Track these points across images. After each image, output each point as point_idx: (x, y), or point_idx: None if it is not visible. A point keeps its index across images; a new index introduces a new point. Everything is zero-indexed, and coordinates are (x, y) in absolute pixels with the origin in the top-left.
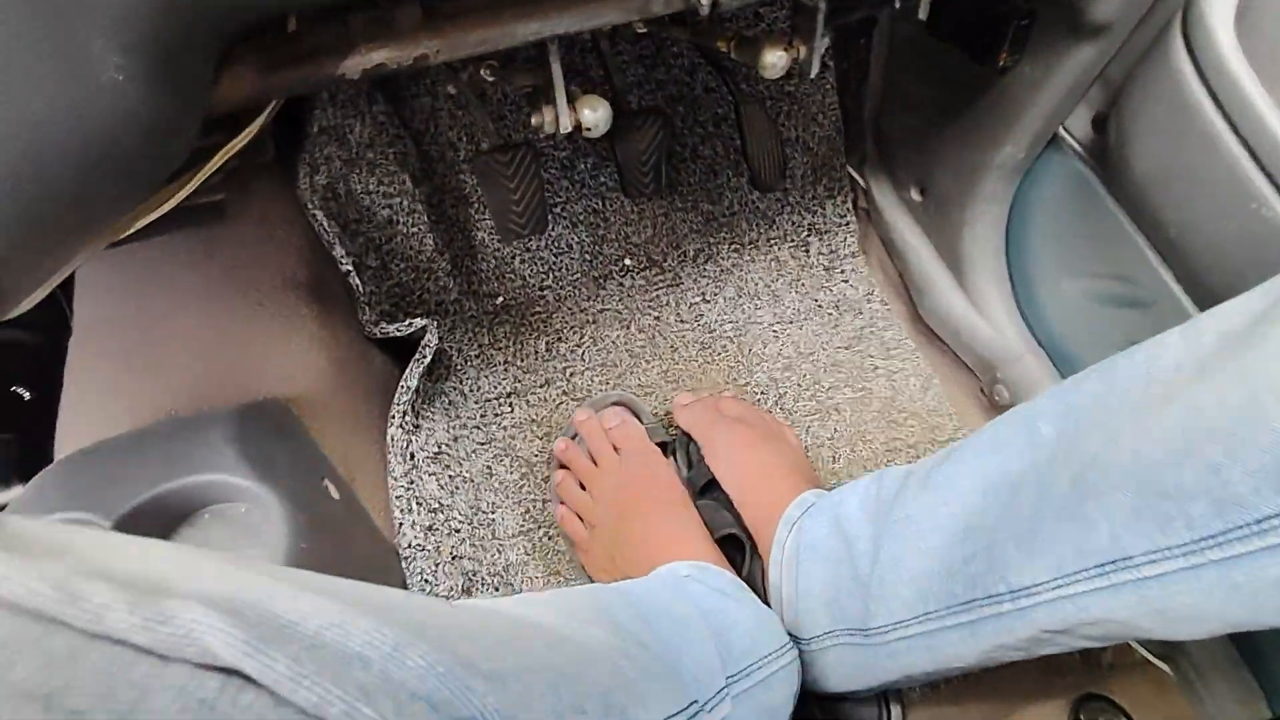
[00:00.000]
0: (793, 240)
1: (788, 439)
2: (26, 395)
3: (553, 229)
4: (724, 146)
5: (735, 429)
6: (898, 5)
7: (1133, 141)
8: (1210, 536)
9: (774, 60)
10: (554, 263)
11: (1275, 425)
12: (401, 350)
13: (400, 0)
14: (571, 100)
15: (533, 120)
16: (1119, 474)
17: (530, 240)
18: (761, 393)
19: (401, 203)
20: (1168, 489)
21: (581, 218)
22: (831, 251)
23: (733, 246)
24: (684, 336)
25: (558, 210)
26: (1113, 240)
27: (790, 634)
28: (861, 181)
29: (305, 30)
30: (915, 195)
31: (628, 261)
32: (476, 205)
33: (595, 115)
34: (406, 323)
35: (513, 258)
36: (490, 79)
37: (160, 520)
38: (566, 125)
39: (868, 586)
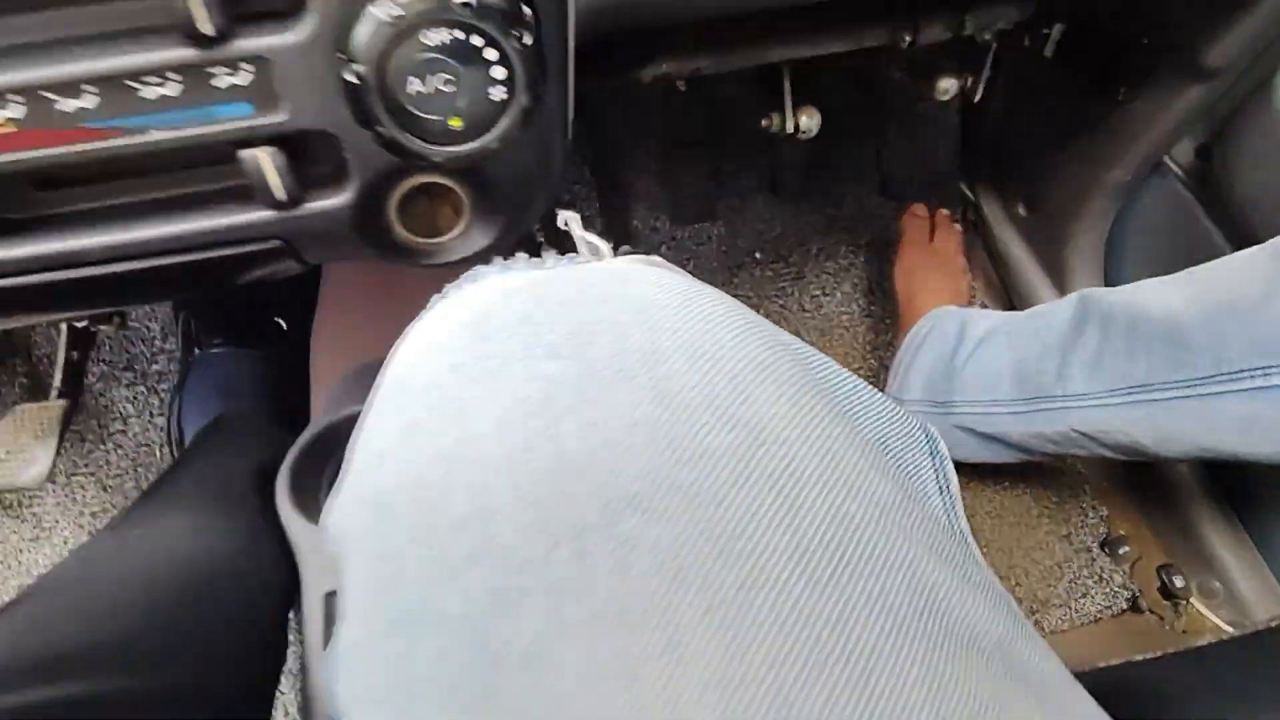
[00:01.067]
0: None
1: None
2: (284, 325)
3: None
4: (855, 155)
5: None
6: (1027, 43)
7: (1235, 170)
8: (1201, 379)
9: (946, 86)
10: (695, 250)
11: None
12: None
13: (682, 27)
14: (795, 107)
15: (762, 123)
16: (1161, 329)
17: (676, 230)
18: (873, 375)
19: (579, 189)
20: (1189, 344)
21: (722, 214)
22: None
23: (850, 247)
24: (805, 323)
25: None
26: (1209, 257)
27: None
28: (972, 195)
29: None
30: (1022, 210)
31: (758, 254)
32: (634, 195)
33: (810, 121)
34: None
35: (659, 245)
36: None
37: None
38: (790, 128)
39: (959, 373)
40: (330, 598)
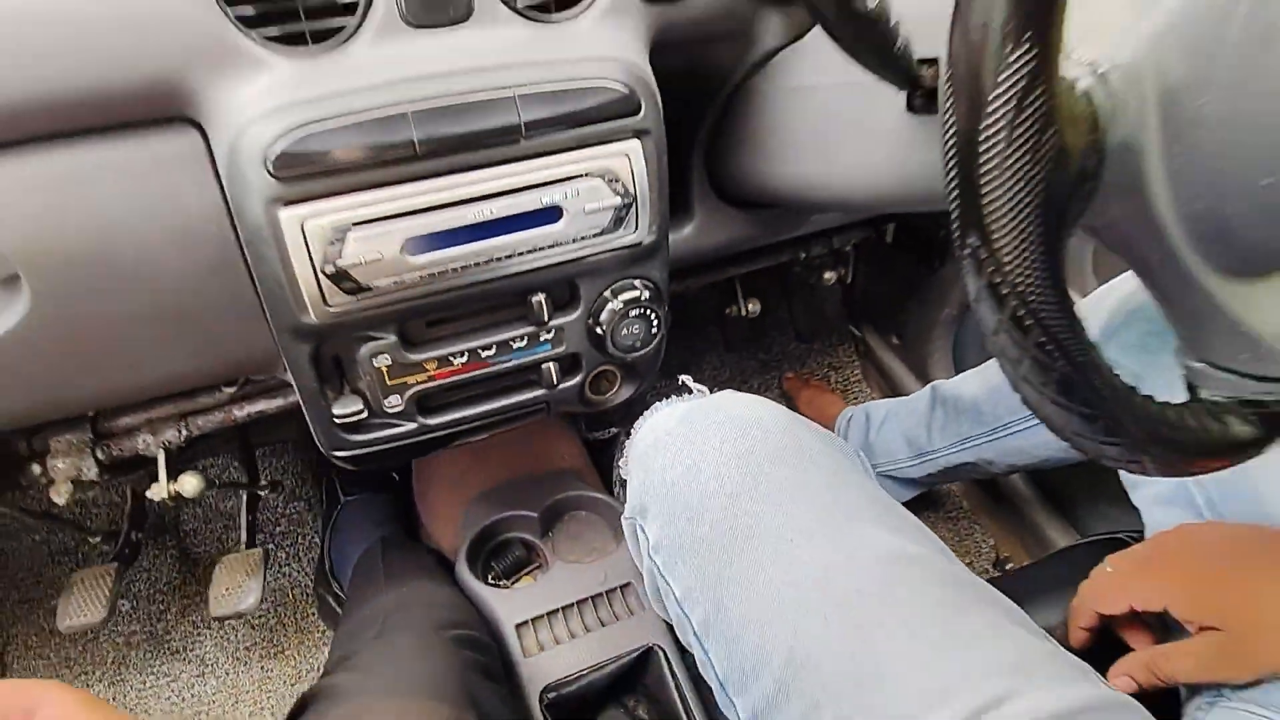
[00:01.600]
0: (818, 375)
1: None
2: (396, 476)
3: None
4: (778, 319)
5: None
6: (874, 235)
7: None
8: (994, 429)
9: (829, 276)
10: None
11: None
12: None
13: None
14: (745, 298)
15: (727, 311)
16: (969, 403)
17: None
18: None
19: None
20: (982, 411)
21: (678, 365)
22: (844, 380)
23: (776, 379)
24: None
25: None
26: None
27: None
28: (859, 334)
29: None
30: (894, 340)
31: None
32: None
33: (755, 306)
34: None
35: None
36: None
37: (552, 516)
38: (744, 312)
39: (873, 445)
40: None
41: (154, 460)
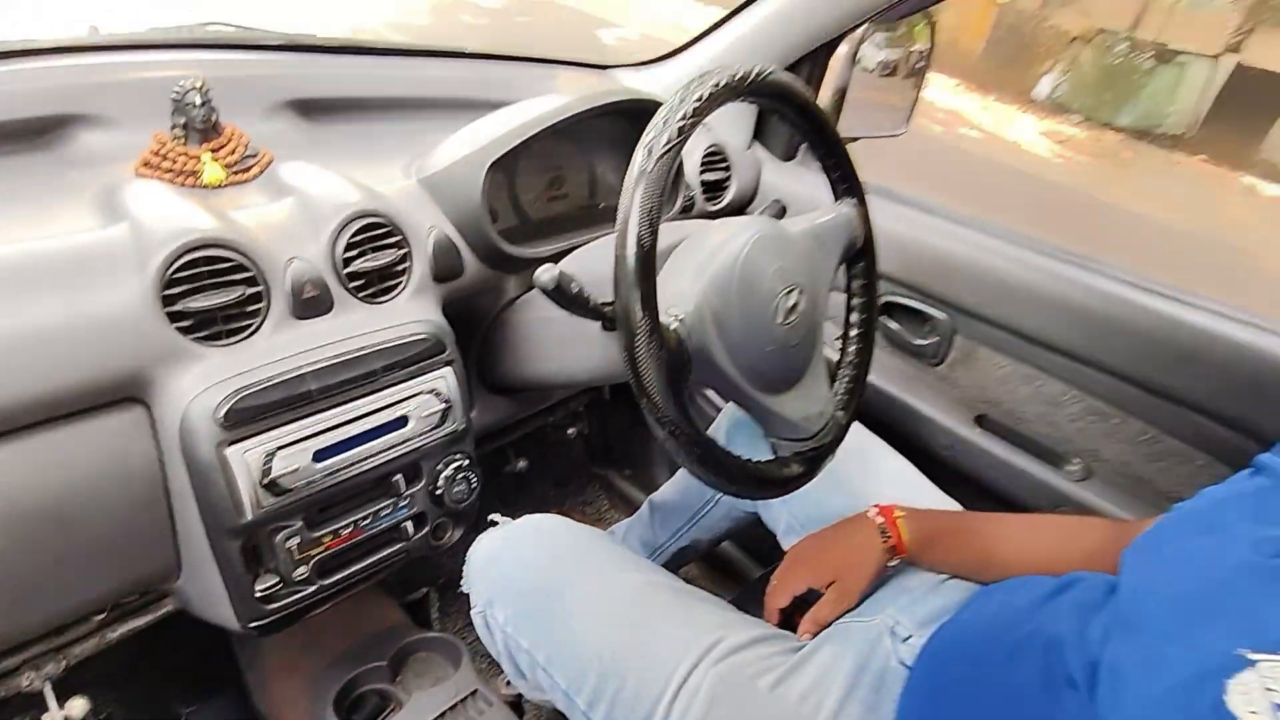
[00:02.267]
0: (576, 511)
1: None
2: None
3: None
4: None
5: None
6: (598, 395)
7: None
8: (690, 520)
9: (572, 432)
10: None
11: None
12: None
13: None
14: (516, 456)
15: (505, 469)
16: (672, 506)
17: None
18: None
19: None
20: (672, 507)
21: None
22: (596, 511)
23: None
24: None
25: None
26: None
27: None
28: (601, 472)
29: None
30: (627, 472)
31: None
32: None
33: (524, 463)
34: None
35: None
36: None
37: (398, 662)
38: (517, 469)
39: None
40: None
41: (40, 694)
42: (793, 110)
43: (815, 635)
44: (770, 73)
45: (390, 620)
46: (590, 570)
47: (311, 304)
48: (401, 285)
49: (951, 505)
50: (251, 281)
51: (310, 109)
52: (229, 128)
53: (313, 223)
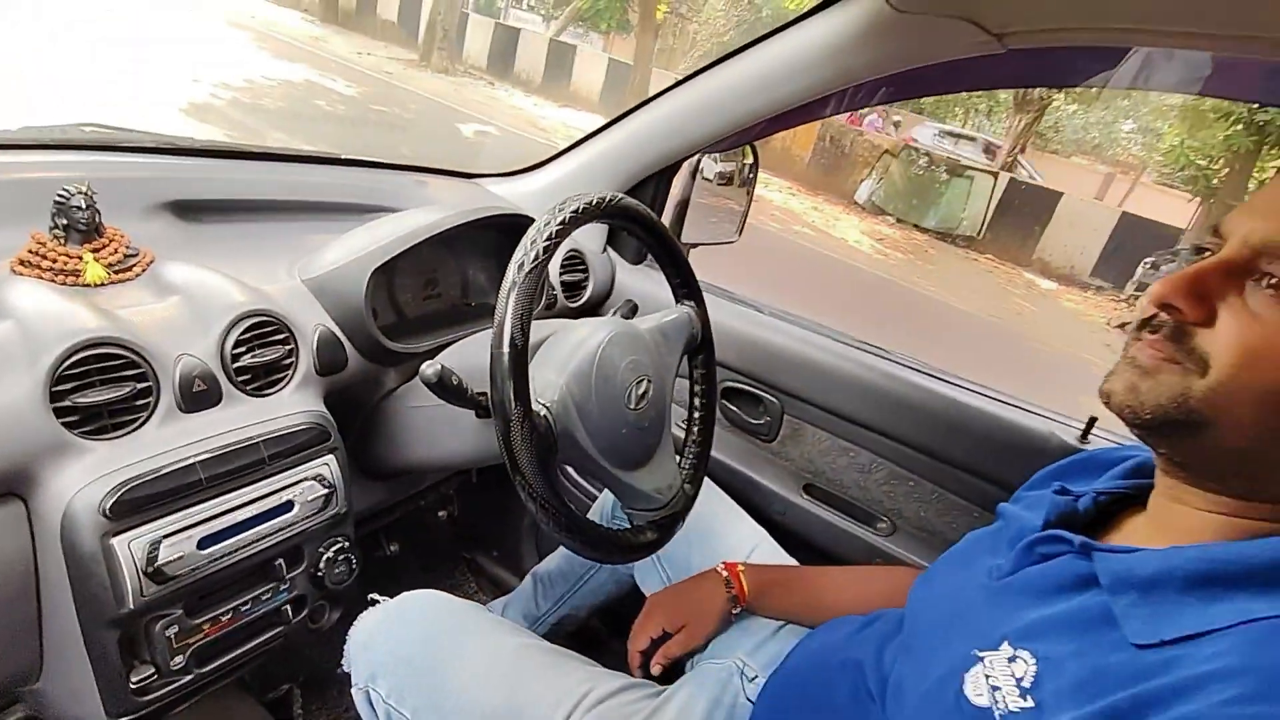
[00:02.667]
0: None
1: None
2: None
3: None
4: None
5: None
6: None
7: None
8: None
9: (443, 515)
10: None
11: None
12: None
13: None
14: (388, 542)
15: (376, 551)
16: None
17: None
18: None
19: None
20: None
21: None
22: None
23: None
24: None
25: None
26: None
27: None
28: (469, 555)
29: None
30: (495, 553)
31: None
32: None
33: (396, 548)
34: None
35: None
36: None
37: None
38: (389, 550)
39: None
40: None
41: None
42: (640, 228)
43: (665, 669)
44: (621, 199)
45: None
46: (468, 639)
47: (200, 398)
48: (287, 379)
49: (790, 561)
50: (141, 377)
51: (188, 210)
52: (109, 229)
53: (201, 320)
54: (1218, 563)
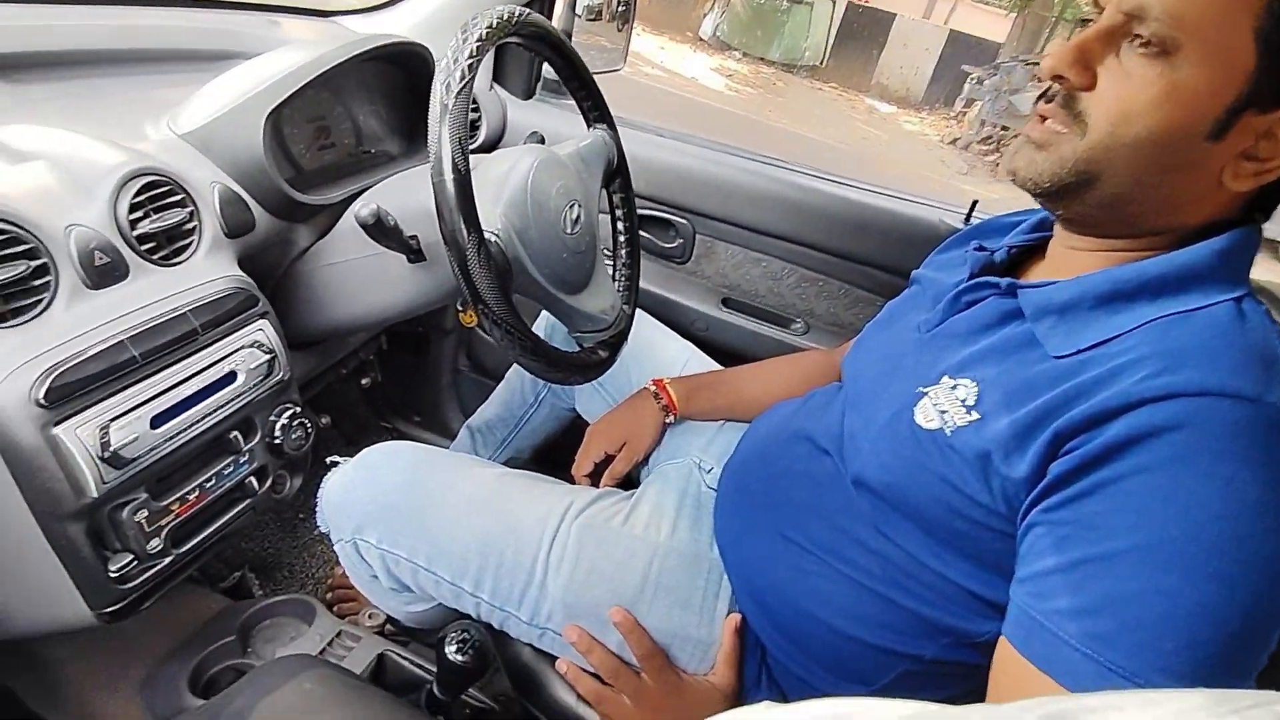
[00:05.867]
0: None
1: None
2: None
3: None
4: (327, 430)
5: None
6: (380, 344)
7: None
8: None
9: (366, 382)
10: None
11: None
12: None
13: None
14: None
15: None
16: None
17: None
18: None
19: None
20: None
21: None
22: None
23: None
24: None
25: None
26: None
27: None
28: (389, 424)
29: None
30: (416, 418)
31: None
32: None
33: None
34: None
35: None
36: None
37: (246, 632)
38: None
39: None
40: None
41: None
42: (548, 48)
43: (614, 485)
44: (531, 14)
45: (216, 605)
46: (446, 476)
47: (105, 271)
48: (194, 245)
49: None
50: (32, 254)
51: (6, 67)
52: None
53: (80, 186)
54: (1119, 281)
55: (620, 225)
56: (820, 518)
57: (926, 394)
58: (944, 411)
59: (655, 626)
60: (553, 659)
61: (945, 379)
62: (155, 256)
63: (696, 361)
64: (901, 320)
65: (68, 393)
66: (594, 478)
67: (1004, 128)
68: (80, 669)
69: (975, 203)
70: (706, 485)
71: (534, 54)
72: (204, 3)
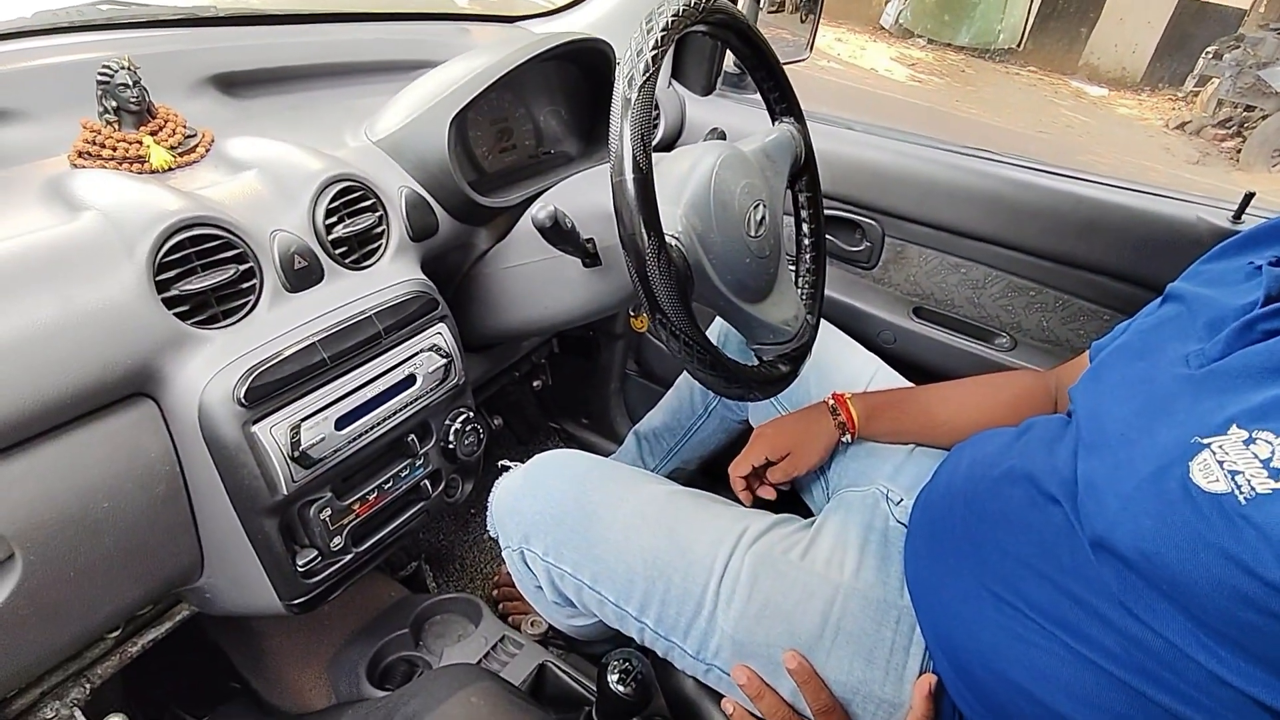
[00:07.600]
0: None
1: None
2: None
3: None
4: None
5: None
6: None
7: None
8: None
9: (537, 385)
10: None
11: None
12: None
13: None
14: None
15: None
16: None
17: None
18: None
19: None
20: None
21: None
22: None
23: None
24: None
25: None
26: None
27: None
28: (557, 425)
29: None
30: (584, 420)
31: None
32: None
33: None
34: None
35: None
36: None
37: (419, 626)
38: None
39: None
40: None
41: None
42: (735, 36)
43: (772, 495)
44: (716, 2)
45: (395, 594)
46: (615, 490)
47: (303, 275)
48: (382, 248)
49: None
50: (241, 258)
51: (231, 84)
52: (162, 109)
53: (285, 193)
54: None
55: (806, 228)
56: (1043, 579)
57: (1208, 446)
58: (1235, 472)
59: (834, 678)
60: (718, 696)
61: (1235, 429)
62: (347, 260)
63: (883, 376)
64: (1161, 349)
65: (265, 393)
66: (750, 479)
67: (1249, 108)
68: (279, 643)
69: (1249, 196)
70: (895, 519)
71: (719, 43)
72: (401, 17)
